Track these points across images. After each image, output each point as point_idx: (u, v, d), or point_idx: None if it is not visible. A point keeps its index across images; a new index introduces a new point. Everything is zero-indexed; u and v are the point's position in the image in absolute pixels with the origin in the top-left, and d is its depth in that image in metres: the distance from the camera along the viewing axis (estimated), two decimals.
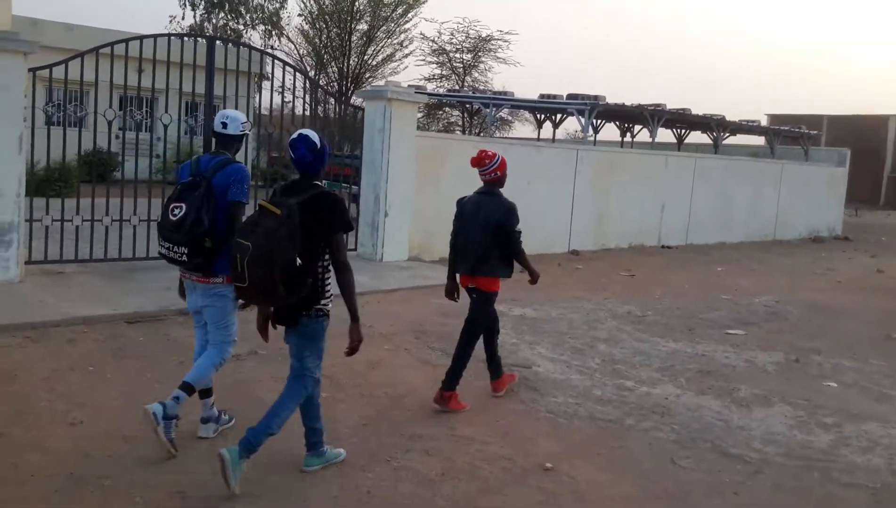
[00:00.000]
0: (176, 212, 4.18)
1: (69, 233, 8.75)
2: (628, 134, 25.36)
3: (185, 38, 9.65)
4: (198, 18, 30.92)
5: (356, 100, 21.21)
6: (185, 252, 4.15)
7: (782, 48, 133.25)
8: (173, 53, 9.10)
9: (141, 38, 8.98)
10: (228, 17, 31.41)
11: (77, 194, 9.25)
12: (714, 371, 6.53)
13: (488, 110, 20.18)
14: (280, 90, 11.91)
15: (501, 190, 5.58)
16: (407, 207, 10.99)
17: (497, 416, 5.12)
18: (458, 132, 30.85)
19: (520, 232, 5.42)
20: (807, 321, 8.98)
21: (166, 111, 9.14)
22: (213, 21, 31.09)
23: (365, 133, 10.89)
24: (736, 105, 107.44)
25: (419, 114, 31.74)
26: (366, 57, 27.59)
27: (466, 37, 31.34)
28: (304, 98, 10.89)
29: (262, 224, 3.74)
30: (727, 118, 20.73)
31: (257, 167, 14.11)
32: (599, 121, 23.36)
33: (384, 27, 27.55)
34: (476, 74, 31.93)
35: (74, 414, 4.69)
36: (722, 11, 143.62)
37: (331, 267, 3.97)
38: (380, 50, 28.03)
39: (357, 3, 26.67)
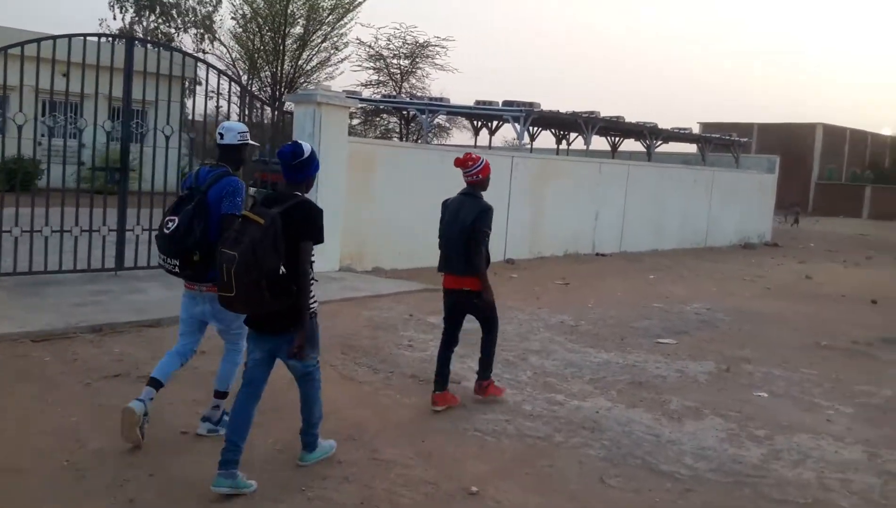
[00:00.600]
0: (169, 225, 4.30)
1: None
2: (564, 141, 25.53)
3: (102, 39, 9.15)
4: (128, 22, 30.04)
5: (289, 105, 20.80)
6: (176, 264, 4.29)
7: (716, 57, 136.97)
8: (94, 57, 8.66)
9: (54, 38, 8.50)
10: (159, 20, 30.57)
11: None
12: (645, 382, 6.43)
13: (424, 117, 20.01)
14: (212, 95, 11.51)
15: (483, 193, 5.67)
16: (338, 215, 10.67)
17: (422, 436, 4.89)
18: (395, 139, 30.62)
19: (487, 234, 5.47)
20: (737, 329, 9.02)
21: (82, 116, 8.69)
22: (144, 24, 30.23)
23: (294, 139, 10.55)
24: (669, 113, 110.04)
25: (356, 121, 31.52)
26: (300, 61, 27.14)
27: (404, 42, 31.18)
28: (235, 103, 10.52)
29: (247, 233, 3.78)
30: (660, 126, 21.00)
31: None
32: (536, 129, 23.44)
33: (319, 31, 27.13)
34: (413, 81, 31.78)
35: None
36: (658, 21, 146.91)
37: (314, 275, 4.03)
38: (314, 54, 27.61)
39: (291, 7, 26.21)
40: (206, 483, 3.97)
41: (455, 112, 22.76)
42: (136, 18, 29.56)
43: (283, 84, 26.63)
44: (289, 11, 26.11)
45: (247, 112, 11.35)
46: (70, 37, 8.65)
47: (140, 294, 8.34)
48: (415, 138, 29.36)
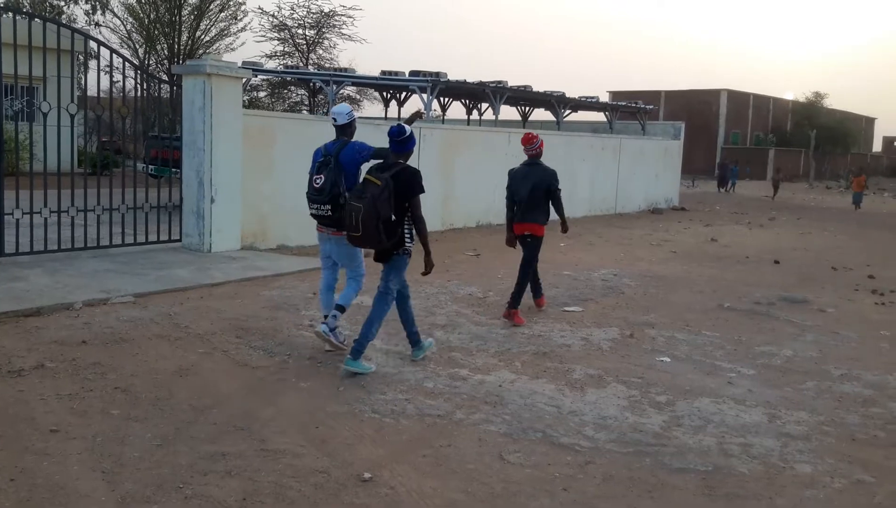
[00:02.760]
0: (318, 182, 5.85)
1: None
2: (476, 112, 25.38)
3: None
4: None
5: None
6: (329, 208, 5.81)
7: (626, 25, 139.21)
8: None
9: None
10: None
11: None
12: (550, 352, 6.35)
13: (329, 88, 19.48)
14: (106, 71, 10.82)
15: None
16: (236, 192, 10.22)
17: (316, 422, 4.63)
18: (304, 111, 29.85)
19: (560, 190, 7.64)
20: (642, 294, 9.07)
21: None
22: None
23: (184, 112, 9.99)
24: (580, 83, 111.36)
25: (262, 94, 30.56)
26: (198, 33, 26.02)
27: (308, 12, 30.31)
28: (130, 77, 9.87)
29: (368, 191, 5.38)
30: (567, 95, 21.07)
31: (85, 153, 12.78)
32: (447, 100, 23.20)
33: (216, 0, 26.06)
34: (321, 51, 30.99)
35: None
36: None
37: (411, 222, 5.62)
38: (212, 25, 26.52)
39: None
40: (71, 485, 3.64)
41: (360, 82, 22.29)
42: None
43: (181, 57, 25.50)
44: None
45: (144, 87, 10.72)
46: None
47: (20, 281, 7.76)
48: (323, 111, 28.69)
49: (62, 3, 29.03)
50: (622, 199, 19.81)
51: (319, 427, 4.56)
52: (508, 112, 24.00)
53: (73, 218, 9.22)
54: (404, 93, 21.88)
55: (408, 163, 5.75)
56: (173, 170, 11.48)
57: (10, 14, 9.21)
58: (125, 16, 27.05)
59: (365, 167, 5.83)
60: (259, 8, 36.14)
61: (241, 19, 27.29)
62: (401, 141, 5.63)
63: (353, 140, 6.06)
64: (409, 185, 5.51)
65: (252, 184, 10.47)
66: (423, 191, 5.60)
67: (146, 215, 9.89)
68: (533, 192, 7.48)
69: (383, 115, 24.80)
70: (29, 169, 9.43)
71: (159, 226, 10.03)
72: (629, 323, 7.48)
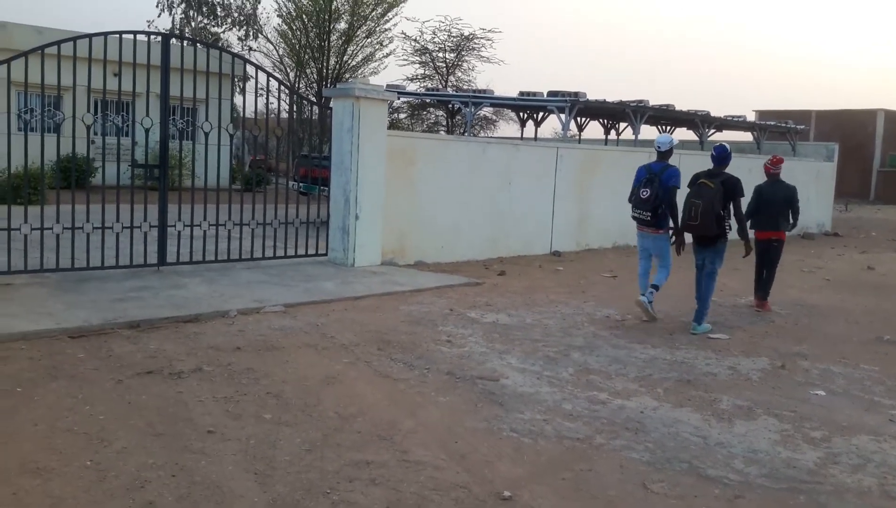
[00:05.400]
0: (644, 194, 7.90)
1: (19, 242, 8.31)
2: (613, 131, 25.02)
3: (140, 37, 9.14)
4: (177, 21, 30.43)
5: None
6: (649, 215, 7.93)
7: (772, 44, 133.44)
8: (138, 56, 8.71)
9: (90, 35, 8.51)
10: (207, 18, 30.88)
11: (25, 203, 8.71)
12: (694, 380, 6.12)
13: (467, 109, 19.77)
14: (262, 93, 11.52)
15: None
16: (378, 209, 10.55)
17: (456, 436, 4.68)
18: (441, 132, 30.43)
19: (798, 201, 9.49)
20: (794, 323, 8.60)
21: (129, 115, 8.70)
22: (192, 24, 30.57)
23: (333, 133, 10.44)
24: (723, 101, 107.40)
25: (402, 115, 31.42)
26: (345, 57, 27.11)
27: (449, 36, 30.95)
28: (284, 101, 10.47)
29: (704, 192, 7.62)
30: (712, 114, 20.38)
31: (240, 170, 13.63)
32: (583, 120, 23.01)
33: (364, 27, 27.07)
34: (459, 74, 31.54)
35: None
36: (712, 8, 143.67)
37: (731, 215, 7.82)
38: (359, 50, 27.56)
39: (335, 3, 26.19)
40: (227, 484, 3.84)
41: (498, 103, 22.45)
42: (185, 18, 29.90)
43: (329, 80, 26.64)
44: (333, 7, 26.09)
45: (294, 109, 11.31)
46: (106, 34, 8.64)
47: (180, 289, 8.32)
48: (461, 131, 29.14)
49: (219, 30, 31.05)
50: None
51: (458, 442, 4.60)
52: (648, 132, 23.49)
53: (230, 231, 9.82)
54: (541, 113, 21.87)
55: (670, 167, 7.98)
56: (321, 187, 12.00)
57: (178, 41, 9.94)
58: (278, 40, 28.64)
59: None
60: (402, 33, 37.19)
61: (386, 45, 28.22)
62: (724, 157, 7.92)
63: (672, 166, 7.99)
64: (734, 189, 7.70)
65: (394, 202, 10.78)
66: (743, 195, 7.80)
67: (296, 230, 10.38)
68: (777, 206, 9.31)
69: (519, 135, 24.89)
70: (191, 184, 10.09)
71: (307, 241, 10.50)
72: (780, 353, 7.10)
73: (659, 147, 8.08)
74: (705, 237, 7.75)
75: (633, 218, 8.12)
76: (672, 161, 8.19)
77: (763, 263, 9.45)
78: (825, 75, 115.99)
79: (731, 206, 7.71)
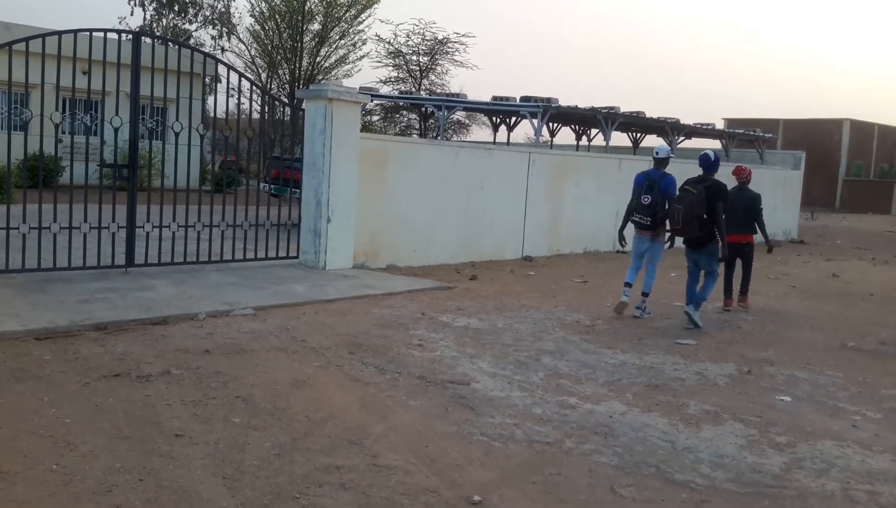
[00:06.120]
0: (646, 200, 8.50)
1: None
2: (584, 137, 25.19)
3: (112, 35, 9.02)
4: (148, 19, 30.09)
5: None
6: (649, 220, 8.51)
7: (741, 53, 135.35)
8: (105, 54, 8.61)
9: (59, 33, 8.40)
10: (178, 17, 30.58)
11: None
12: (662, 385, 6.18)
13: (440, 113, 19.79)
14: (233, 94, 11.43)
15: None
16: (351, 212, 10.53)
17: (426, 440, 4.68)
18: (414, 135, 30.43)
19: (762, 209, 9.97)
20: (760, 329, 8.73)
21: (97, 113, 8.59)
22: (164, 22, 30.25)
23: (305, 134, 10.40)
24: (692, 110, 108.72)
25: (375, 118, 31.37)
26: (318, 59, 27.02)
27: (423, 39, 30.99)
28: (255, 101, 10.39)
29: (687, 197, 8.06)
30: (682, 122, 20.62)
31: (211, 171, 13.51)
32: (556, 125, 23.14)
33: (337, 28, 27.00)
34: (433, 77, 31.58)
35: None
36: (682, 15, 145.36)
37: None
38: (333, 51, 27.49)
39: (308, 4, 26.09)
40: (195, 489, 3.81)
41: (471, 108, 22.51)
42: (156, 16, 29.59)
43: (302, 81, 26.52)
44: (306, 8, 25.99)
45: (267, 110, 11.24)
46: (76, 32, 8.52)
47: (148, 291, 8.23)
48: (434, 135, 29.16)
49: (191, 28, 30.75)
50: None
51: (429, 447, 4.60)
52: (619, 138, 23.67)
53: (199, 232, 9.73)
54: (514, 118, 21.96)
55: (667, 175, 8.59)
56: (293, 189, 11.94)
57: (149, 39, 9.83)
58: (250, 41, 28.45)
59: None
60: (376, 35, 37.15)
61: (360, 48, 28.18)
62: (712, 164, 8.33)
63: (669, 174, 8.60)
64: (715, 194, 8.05)
65: (366, 205, 10.76)
66: (726, 200, 8.21)
67: (267, 232, 10.31)
68: (743, 210, 9.68)
69: (492, 140, 24.97)
70: (160, 185, 9.99)
71: (278, 243, 10.44)
72: (747, 359, 7.21)
73: (657, 154, 8.71)
74: (694, 240, 8.23)
75: (633, 222, 8.67)
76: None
77: (733, 266, 9.89)
78: (793, 84, 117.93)
79: (714, 209, 8.06)
